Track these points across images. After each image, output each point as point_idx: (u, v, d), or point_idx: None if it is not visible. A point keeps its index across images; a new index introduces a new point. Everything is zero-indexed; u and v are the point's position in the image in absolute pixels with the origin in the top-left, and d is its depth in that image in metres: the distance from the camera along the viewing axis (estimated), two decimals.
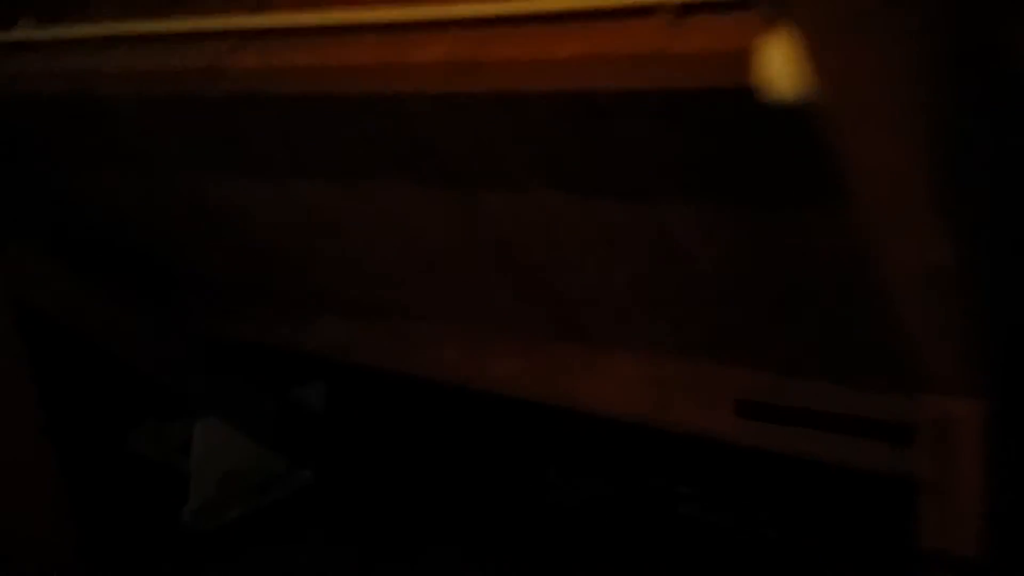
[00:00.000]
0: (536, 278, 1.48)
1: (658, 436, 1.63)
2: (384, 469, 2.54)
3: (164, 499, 2.48)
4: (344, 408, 2.64)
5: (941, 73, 0.77)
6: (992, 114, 0.89)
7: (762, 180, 1.06)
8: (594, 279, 1.42)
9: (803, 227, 1.08)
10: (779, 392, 1.41)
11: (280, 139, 1.45)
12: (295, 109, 1.34)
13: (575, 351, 1.57)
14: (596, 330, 1.53)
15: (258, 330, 2.02)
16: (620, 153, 1.12)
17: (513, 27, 1.02)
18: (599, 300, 1.47)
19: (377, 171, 1.39)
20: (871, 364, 1.24)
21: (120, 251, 2.03)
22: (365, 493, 2.45)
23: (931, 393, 1.10)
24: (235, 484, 2.38)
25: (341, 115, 1.30)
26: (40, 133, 1.77)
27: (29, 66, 1.50)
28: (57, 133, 1.74)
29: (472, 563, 2.12)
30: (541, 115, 1.13)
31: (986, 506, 1.07)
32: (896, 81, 0.73)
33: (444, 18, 1.07)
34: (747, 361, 1.42)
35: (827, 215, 1.03)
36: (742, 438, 1.46)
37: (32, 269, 1.85)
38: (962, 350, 1.04)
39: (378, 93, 1.17)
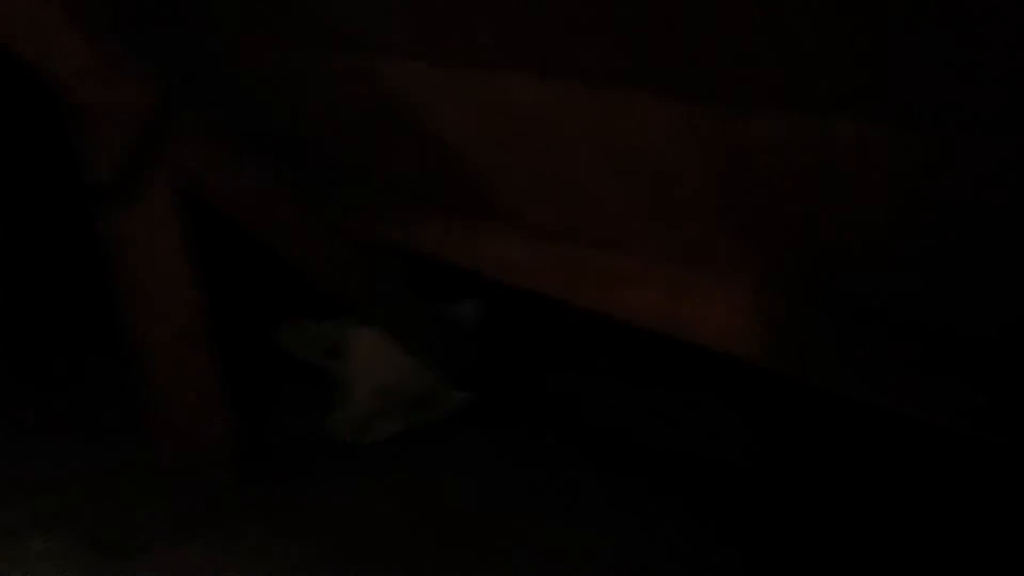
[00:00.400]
0: (783, 223, 1.20)
1: None
2: (540, 393, 2.38)
3: (307, 399, 2.39)
4: (500, 327, 2.47)
5: None
6: None
7: None
8: (863, 230, 1.13)
9: None
10: None
11: (492, 23, 1.21)
12: None
13: (810, 314, 1.30)
14: (845, 296, 1.26)
15: (428, 241, 1.83)
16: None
17: None
18: (858, 258, 1.18)
19: (615, 74, 1.13)
20: None
21: (293, 143, 1.86)
22: (520, 417, 2.29)
23: None
24: (389, 399, 2.24)
25: None
26: (224, 5, 1.59)
27: None
28: (242, 6, 1.55)
29: (629, 495, 1.97)
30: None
31: None
32: None
33: None
34: None
35: None
36: None
37: (203, 156, 1.69)
38: None
39: None
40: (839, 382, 1.27)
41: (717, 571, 1.77)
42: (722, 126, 1.07)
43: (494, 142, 1.49)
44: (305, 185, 1.89)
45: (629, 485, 2.02)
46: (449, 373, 2.32)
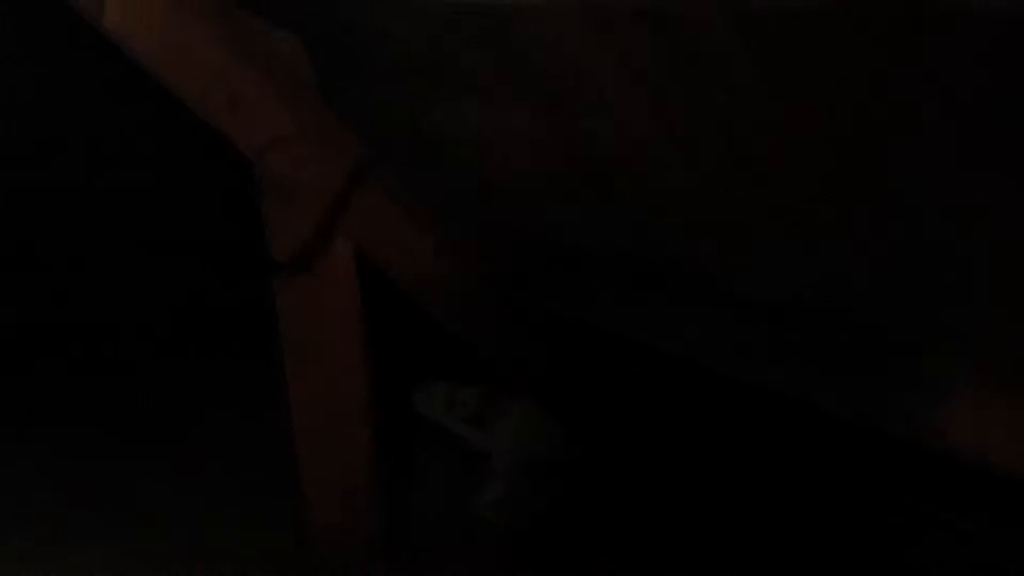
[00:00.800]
0: None
1: None
2: (694, 474, 2.24)
3: (447, 471, 2.29)
4: (654, 398, 2.34)
5: None
6: None
7: None
8: None
9: None
10: None
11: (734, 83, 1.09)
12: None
13: None
14: None
15: (608, 316, 1.72)
16: None
17: None
18: None
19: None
20: None
21: (466, 202, 1.78)
22: (667, 498, 2.15)
23: None
24: (537, 477, 2.13)
25: None
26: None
27: None
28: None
29: None
30: None
31: None
32: None
33: None
34: None
35: None
36: None
37: (382, 224, 1.63)
38: None
39: None
40: None
41: None
42: None
43: (726, 210, 1.35)
44: (481, 252, 1.81)
45: None
46: (604, 448, 2.20)
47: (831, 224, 1.14)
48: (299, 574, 1.87)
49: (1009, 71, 0.79)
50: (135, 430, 2.47)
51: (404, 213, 1.66)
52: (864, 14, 0.85)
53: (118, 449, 2.38)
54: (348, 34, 1.52)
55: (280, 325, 1.60)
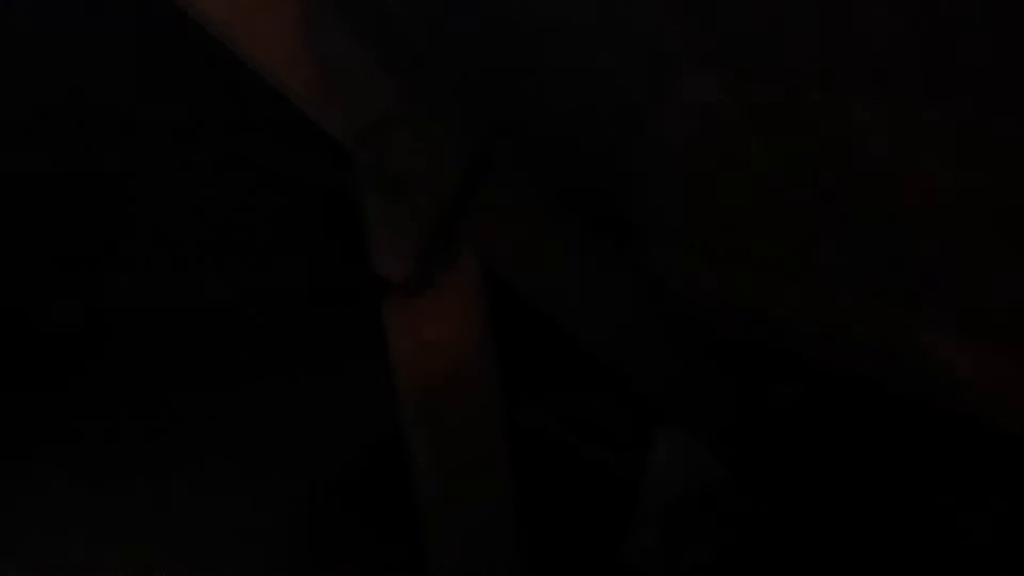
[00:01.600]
0: None
1: None
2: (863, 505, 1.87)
3: (572, 500, 1.96)
4: (821, 419, 1.96)
5: None
6: None
7: None
8: None
9: None
10: None
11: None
12: None
13: None
14: None
15: (779, 333, 1.35)
16: None
17: None
18: None
19: None
20: None
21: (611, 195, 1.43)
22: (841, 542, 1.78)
23: None
24: (693, 515, 1.77)
25: None
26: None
27: None
28: None
29: None
30: None
31: None
32: None
33: None
34: None
35: None
36: None
37: (512, 229, 1.27)
38: None
39: None
40: None
41: None
42: None
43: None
44: (626, 250, 1.45)
45: None
46: (758, 474, 1.84)
47: None
48: None
49: None
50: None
51: (532, 212, 1.30)
52: None
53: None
54: None
55: (392, 358, 1.26)
